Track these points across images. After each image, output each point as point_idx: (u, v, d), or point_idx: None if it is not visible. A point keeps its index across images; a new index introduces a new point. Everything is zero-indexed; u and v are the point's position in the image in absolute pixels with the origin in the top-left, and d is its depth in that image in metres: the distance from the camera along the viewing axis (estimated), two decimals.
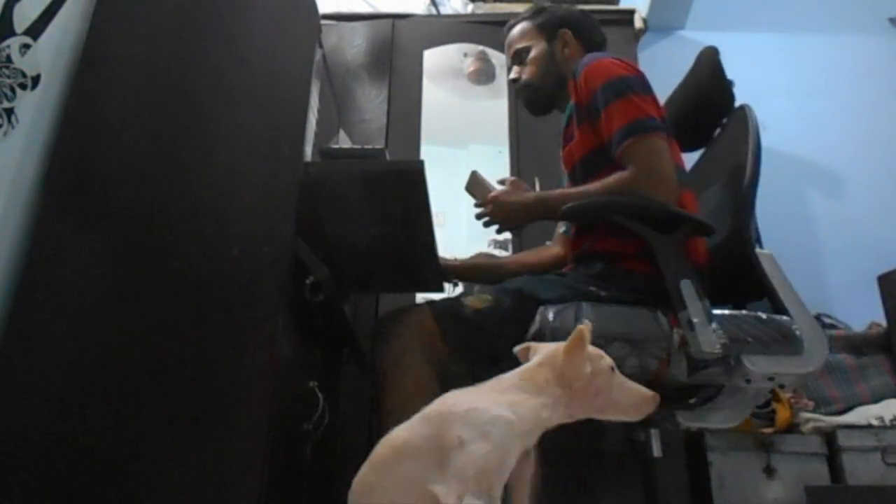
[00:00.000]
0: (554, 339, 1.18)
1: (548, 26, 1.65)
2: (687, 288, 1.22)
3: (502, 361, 1.30)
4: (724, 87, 1.58)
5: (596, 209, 1.34)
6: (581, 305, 1.23)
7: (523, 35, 1.67)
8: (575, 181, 1.52)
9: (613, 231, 1.35)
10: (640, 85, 1.41)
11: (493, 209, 1.50)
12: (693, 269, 1.26)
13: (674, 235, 1.27)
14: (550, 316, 1.21)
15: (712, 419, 1.45)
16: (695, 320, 1.19)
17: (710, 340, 1.17)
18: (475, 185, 1.58)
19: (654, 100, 1.42)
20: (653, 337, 1.22)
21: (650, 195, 1.30)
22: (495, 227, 1.53)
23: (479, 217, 1.55)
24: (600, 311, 1.23)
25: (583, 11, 1.74)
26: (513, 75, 1.69)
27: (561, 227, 1.73)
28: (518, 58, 1.68)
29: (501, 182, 1.57)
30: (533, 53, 1.64)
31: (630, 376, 1.24)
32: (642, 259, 1.31)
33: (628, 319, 1.24)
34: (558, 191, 1.52)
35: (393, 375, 1.26)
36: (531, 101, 1.67)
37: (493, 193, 1.52)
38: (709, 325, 1.19)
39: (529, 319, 1.26)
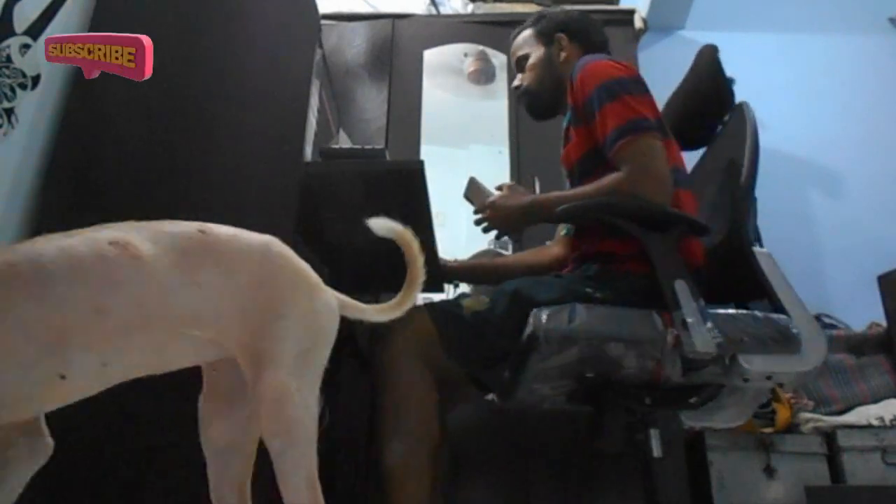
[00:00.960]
0: (547, 341, 1.19)
1: (545, 31, 1.67)
2: (681, 288, 1.22)
3: (498, 364, 1.30)
4: (723, 85, 1.58)
5: (590, 210, 1.35)
6: (575, 307, 1.23)
7: (524, 43, 1.70)
8: (573, 182, 1.54)
9: (610, 232, 1.36)
10: (635, 86, 1.41)
11: (491, 213, 1.52)
12: (687, 268, 1.27)
13: (668, 235, 1.27)
14: (544, 318, 1.21)
15: (716, 419, 1.45)
16: (689, 320, 1.18)
17: (705, 340, 1.17)
18: (473, 192, 1.59)
19: (650, 100, 1.43)
20: (647, 337, 1.22)
21: (644, 195, 1.30)
22: (494, 232, 1.56)
23: (478, 223, 1.57)
24: (594, 313, 1.23)
25: (582, 14, 1.75)
26: (515, 83, 1.72)
27: (562, 230, 1.73)
28: (519, 65, 1.71)
29: (499, 188, 1.59)
30: (532, 60, 1.67)
31: (629, 376, 1.25)
32: (639, 260, 1.31)
33: (623, 320, 1.24)
34: (554, 193, 1.53)
35: (389, 376, 1.29)
36: (531, 106, 1.70)
37: (490, 199, 1.54)
38: (704, 325, 1.18)
39: (525, 321, 1.26)
